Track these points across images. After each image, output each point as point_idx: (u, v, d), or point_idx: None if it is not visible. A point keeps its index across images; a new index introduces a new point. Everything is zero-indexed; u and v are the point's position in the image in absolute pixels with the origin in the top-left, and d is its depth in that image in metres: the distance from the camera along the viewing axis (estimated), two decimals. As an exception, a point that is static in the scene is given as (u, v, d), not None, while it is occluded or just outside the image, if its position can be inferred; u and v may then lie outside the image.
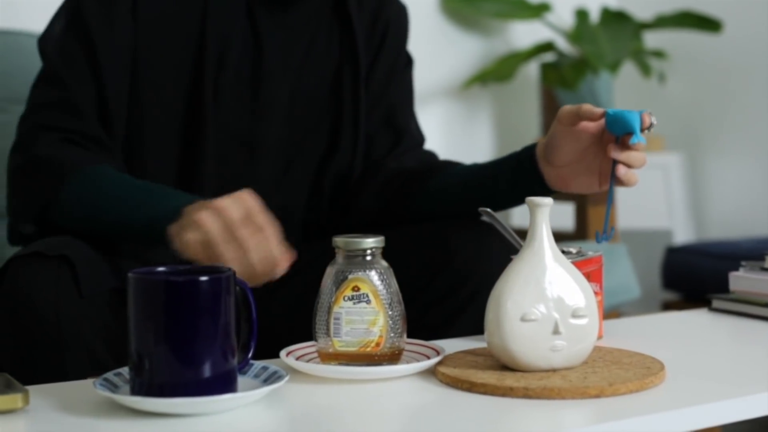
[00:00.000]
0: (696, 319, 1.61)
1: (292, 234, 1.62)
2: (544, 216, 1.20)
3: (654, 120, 1.38)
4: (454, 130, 3.41)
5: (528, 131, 3.52)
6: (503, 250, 1.48)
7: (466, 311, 1.48)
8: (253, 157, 1.60)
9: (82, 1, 1.54)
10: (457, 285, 1.48)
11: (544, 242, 1.20)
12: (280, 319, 1.52)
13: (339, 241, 1.22)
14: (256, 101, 1.60)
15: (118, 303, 1.37)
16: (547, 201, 1.20)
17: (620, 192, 2.70)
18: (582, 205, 2.56)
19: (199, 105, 1.56)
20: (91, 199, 1.44)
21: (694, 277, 2.90)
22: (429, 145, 3.17)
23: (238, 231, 1.25)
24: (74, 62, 1.52)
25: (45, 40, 1.56)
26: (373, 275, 1.21)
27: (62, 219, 1.46)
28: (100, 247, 1.44)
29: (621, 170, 1.36)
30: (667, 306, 2.98)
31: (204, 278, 1.06)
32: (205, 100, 1.56)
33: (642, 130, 1.35)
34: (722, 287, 1.62)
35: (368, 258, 1.22)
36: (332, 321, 1.21)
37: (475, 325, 1.46)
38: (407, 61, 1.77)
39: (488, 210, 1.35)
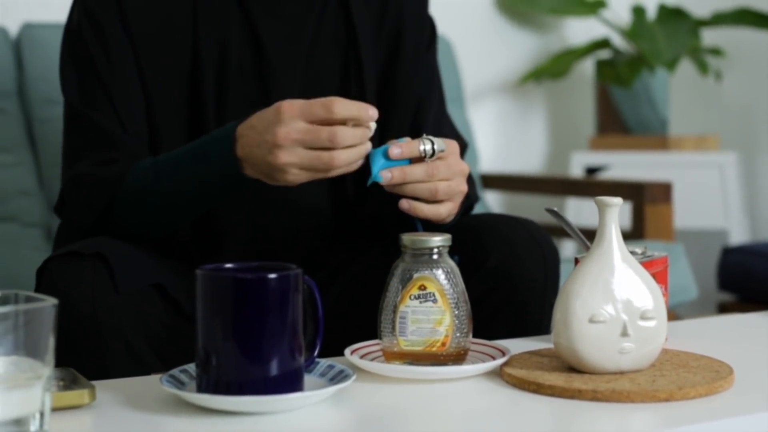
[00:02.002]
0: (757, 321, 1.59)
1: (321, 230, 1.61)
2: (613, 216, 1.19)
3: (427, 147, 1.31)
4: (509, 127, 3.39)
5: (582, 128, 3.50)
6: (537, 250, 1.46)
7: (501, 313, 1.45)
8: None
9: (80, 29, 1.53)
10: (492, 287, 1.45)
11: (613, 242, 1.18)
12: (330, 315, 1.52)
13: (405, 239, 1.21)
14: (265, 96, 1.56)
15: (159, 299, 1.37)
16: (617, 201, 1.19)
17: (676, 191, 2.68)
18: (639, 204, 2.53)
19: (202, 113, 1.54)
20: (149, 184, 1.42)
21: (750, 278, 2.87)
22: (482, 142, 3.18)
23: (321, 139, 1.26)
24: (94, 99, 1.51)
25: (65, 84, 1.55)
26: (440, 274, 1.20)
27: (120, 225, 1.45)
28: (148, 246, 1.45)
29: (403, 204, 1.32)
30: (723, 307, 2.95)
31: (272, 276, 1.05)
32: (208, 109, 1.53)
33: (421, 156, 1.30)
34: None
35: (435, 257, 1.21)
36: (398, 320, 1.20)
37: (510, 328, 1.44)
38: (430, 39, 1.69)
39: (554, 209, 1.34)
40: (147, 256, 1.41)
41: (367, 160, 1.29)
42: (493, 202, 3.23)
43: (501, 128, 3.37)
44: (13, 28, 2.40)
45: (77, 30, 1.54)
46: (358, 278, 1.56)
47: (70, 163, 1.52)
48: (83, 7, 1.54)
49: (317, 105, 1.27)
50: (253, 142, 1.30)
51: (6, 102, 2.30)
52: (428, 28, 1.69)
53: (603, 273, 1.17)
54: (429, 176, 1.31)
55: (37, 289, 1.35)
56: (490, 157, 3.27)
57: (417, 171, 1.30)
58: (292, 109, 1.27)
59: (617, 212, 1.20)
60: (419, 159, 1.31)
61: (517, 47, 3.39)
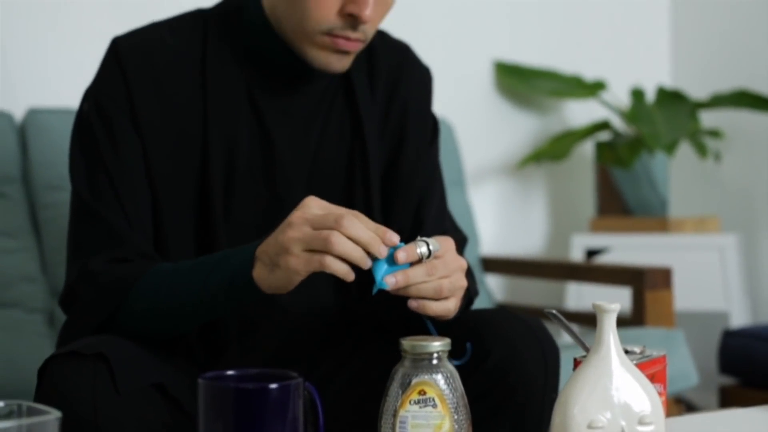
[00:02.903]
0: (758, 416, 1.59)
1: (324, 329, 1.62)
2: (611, 321, 1.20)
3: (423, 249, 1.33)
4: (509, 209, 3.41)
5: (583, 209, 3.52)
6: (537, 347, 1.47)
7: (501, 412, 1.45)
8: None
9: (90, 122, 1.55)
10: (492, 385, 1.44)
11: (611, 348, 1.20)
12: (329, 416, 1.52)
13: (405, 344, 1.22)
14: (272, 194, 1.58)
15: (160, 398, 1.38)
16: (614, 307, 1.20)
17: (677, 273, 2.69)
18: (639, 289, 2.54)
19: (209, 209, 1.55)
20: (160, 293, 1.44)
21: (751, 361, 2.87)
22: (483, 224, 3.20)
23: (327, 220, 1.28)
24: (102, 193, 1.53)
25: (74, 176, 1.57)
26: (440, 379, 1.21)
27: (127, 325, 1.46)
28: (151, 345, 1.46)
29: (412, 304, 1.34)
30: (724, 391, 2.94)
31: (273, 386, 1.06)
32: (215, 206, 1.55)
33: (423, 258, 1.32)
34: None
35: (434, 362, 1.21)
36: (398, 424, 1.20)
37: (510, 427, 1.44)
38: (432, 135, 1.72)
39: (554, 311, 1.35)
40: (149, 354, 1.42)
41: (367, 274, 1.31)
42: (494, 285, 3.24)
43: (501, 210, 3.39)
44: (18, 114, 2.43)
45: (87, 122, 1.56)
46: (358, 376, 1.56)
47: (77, 257, 1.53)
48: (93, 100, 1.56)
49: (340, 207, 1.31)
50: (271, 238, 1.33)
51: (10, 187, 2.31)
52: (431, 124, 1.72)
53: (602, 379, 1.18)
54: (429, 275, 1.33)
55: (38, 390, 1.35)
56: (490, 239, 3.29)
57: (418, 272, 1.32)
58: (314, 199, 1.32)
59: (615, 317, 1.21)
60: (417, 261, 1.32)
61: (517, 129, 3.42)
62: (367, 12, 1.48)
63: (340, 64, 1.55)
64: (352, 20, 1.50)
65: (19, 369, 2.13)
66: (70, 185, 1.58)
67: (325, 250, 1.28)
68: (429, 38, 3.11)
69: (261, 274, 1.34)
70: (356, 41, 1.53)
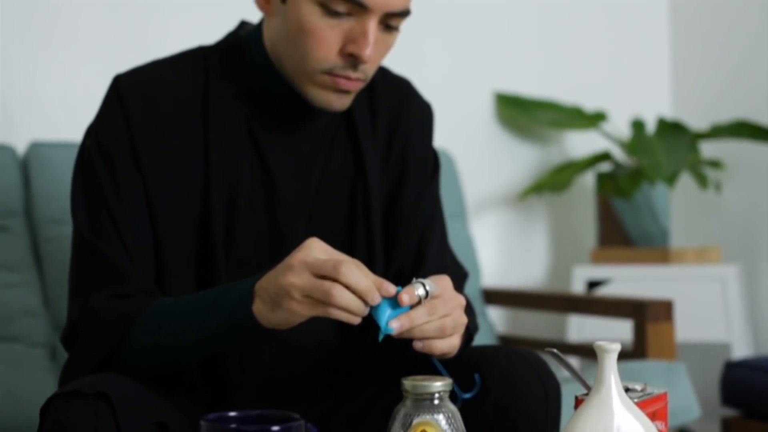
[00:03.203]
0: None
1: (326, 368, 1.62)
2: (612, 361, 1.21)
3: (420, 291, 1.34)
4: (511, 240, 3.41)
5: (584, 240, 3.52)
6: (538, 384, 1.47)
7: None
8: None
9: (92, 160, 1.56)
10: (493, 423, 1.45)
11: (611, 388, 1.20)
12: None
13: (407, 384, 1.23)
14: (273, 230, 1.60)
15: None
16: (615, 347, 1.20)
17: (678, 304, 2.69)
18: (641, 322, 2.54)
19: (211, 247, 1.56)
20: (161, 329, 1.44)
21: (753, 393, 2.86)
22: (484, 255, 3.20)
23: (326, 267, 1.29)
24: (103, 230, 1.53)
25: (75, 213, 1.58)
26: (441, 419, 1.21)
27: (129, 361, 1.47)
28: (152, 382, 1.46)
29: (417, 345, 1.36)
30: (727, 423, 2.93)
31: (275, 428, 1.06)
32: (217, 243, 1.56)
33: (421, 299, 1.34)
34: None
35: (436, 402, 1.22)
36: (400, 464, 1.21)
37: None
38: (433, 171, 1.74)
39: (554, 350, 1.35)
40: (150, 392, 1.42)
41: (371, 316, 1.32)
42: (495, 317, 3.24)
43: (503, 242, 3.39)
44: (21, 147, 2.43)
45: (89, 160, 1.57)
46: (359, 414, 1.56)
47: (79, 294, 1.53)
48: (95, 138, 1.57)
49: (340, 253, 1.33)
50: (271, 275, 1.34)
51: (12, 221, 2.32)
52: (432, 159, 1.72)
53: (603, 419, 1.18)
54: (431, 315, 1.34)
55: (41, 430, 1.36)
56: (492, 271, 3.29)
57: (420, 314, 1.33)
58: (316, 242, 1.33)
59: (615, 357, 1.21)
60: (416, 303, 1.34)
61: (518, 160, 3.43)
62: (368, 52, 1.50)
63: (341, 102, 1.56)
64: (353, 60, 1.51)
65: (21, 403, 2.13)
66: (71, 219, 1.59)
67: (325, 301, 1.29)
68: (430, 70, 3.12)
69: (261, 310, 1.35)
70: (357, 80, 1.54)
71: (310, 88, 1.55)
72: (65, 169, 2.12)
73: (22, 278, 2.29)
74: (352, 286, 1.30)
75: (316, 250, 1.34)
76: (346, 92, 1.55)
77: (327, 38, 1.51)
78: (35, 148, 2.38)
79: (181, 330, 1.43)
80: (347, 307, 1.30)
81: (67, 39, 2.59)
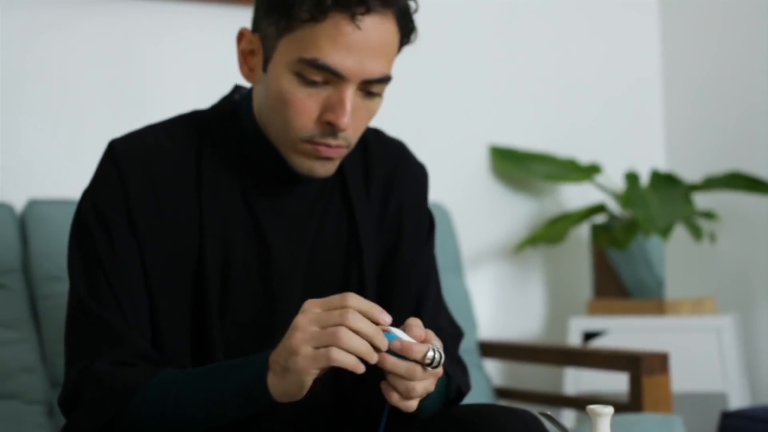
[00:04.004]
0: None
1: (319, 425, 1.63)
2: (605, 425, 1.22)
3: (434, 354, 1.38)
4: (507, 292, 3.42)
5: (580, 292, 3.53)
6: None
7: None
8: (266, 348, 1.55)
9: (88, 222, 1.58)
10: None
11: (605, 451, 1.21)
12: None
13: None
14: (268, 293, 1.61)
15: None
16: (608, 410, 1.21)
17: (674, 355, 2.69)
18: (636, 375, 2.55)
19: (206, 310, 1.57)
20: (168, 400, 1.45)
21: (750, 444, 2.86)
22: (480, 308, 3.21)
23: (332, 317, 1.32)
24: (100, 293, 1.55)
25: (72, 275, 1.59)
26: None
27: (132, 426, 1.47)
28: None
29: (393, 397, 1.39)
30: (724, 475, 2.93)
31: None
32: (212, 307, 1.57)
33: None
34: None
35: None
36: None
37: None
38: (428, 233, 1.76)
39: (548, 414, 1.36)
40: None
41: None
42: (492, 370, 3.24)
43: (499, 294, 3.40)
44: (19, 205, 2.45)
45: (85, 224, 1.58)
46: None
47: (76, 358, 1.54)
48: (91, 202, 1.59)
49: (335, 297, 1.35)
50: (280, 345, 1.37)
51: (10, 278, 2.33)
52: (427, 222, 1.74)
53: (596, 482, 1.19)
54: (410, 375, 1.36)
55: None
56: (488, 323, 3.30)
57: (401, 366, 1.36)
58: (312, 301, 1.36)
59: (609, 420, 1.22)
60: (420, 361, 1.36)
61: (513, 213, 3.44)
62: (345, 120, 1.51)
63: (324, 169, 1.58)
64: (331, 128, 1.53)
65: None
66: (68, 281, 1.60)
67: (333, 344, 1.31)
68: (424, 124, 3.15)
69: (273, 382, 1.37)
70: (338, 147, 1.56)
71: (293, 155, 1.57)
72: (63, 227, 2.13)
73: (20, 335, 2.29)
74: (360, 330, 1.32)
75: (315, 308, 1.36)
76: (329, 159, 1.57)
77: (305, 107, 1.52)
78: (33, 205, 2.40)
79: (188, 402, 1.44)
80: (356, 348, 1.32)
81: (64, 98, 2.62)
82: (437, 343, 1.39)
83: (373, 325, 1.34)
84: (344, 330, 1.31)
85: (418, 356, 1.35)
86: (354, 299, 1.35)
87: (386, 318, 1.36)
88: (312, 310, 1.35)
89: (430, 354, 1.36)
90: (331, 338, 1.31)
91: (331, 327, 1.32)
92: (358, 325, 1.32)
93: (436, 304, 1.72)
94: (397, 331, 1.37)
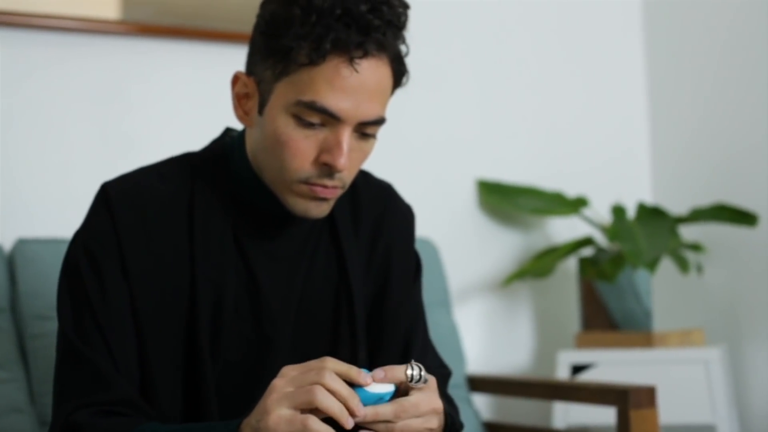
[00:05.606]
0: None
1: None
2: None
3: (410, 373, 1.39)
4: (495, 326, 3.42)
5: (568, 325, 3.54)
6: None
7: None
8: (258, 389, 1.57)
9: (78, 265, 1.58)
10: None
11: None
12: None
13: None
14: (259, 336, 1.62)
15: None
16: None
17: (662, 387, 2.70)
18: (624, 409, 2.55)
19: (197, 353, 1.58)
20: None
21: (739, 477, 2.87)
22: (469, 343, 3.21)
23: (308, 377, 1.32)
24: (89, 336, 1.55)
25: (61, 317, 1.59)
26: None
27: None
28: None
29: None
30: (713, 508, 2.93)
31: None
32: (203, 349, 1.57)
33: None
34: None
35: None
36: None
37: None
38: (415, 273, 1.77)
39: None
40: None
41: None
42: (480, 404, 3.24)
43: (487, 328, 3.40)
44: (7, 244, 2.45)
45: (75, 266, 1.59)
46: None
47: (62, 400, 1.54)
48: (83, 245, 1.59)
49: (313, 361, 1.36)
50: (255, 408, 1.36)
51: (-2, 318, 2.33)
52: (414, 262, 1.76)
53: None
54: (397, 417, 1.37)
55: None
56: (477, 358, 3.30)
57: (386, 411, 1.36)
58: (290, 366, 1.36)
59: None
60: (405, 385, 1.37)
61: (501, 247, 3.45)
62: (342, 161, 1.53)
63: (319, 210, 1.59)
64: (328, 169, 1.55)
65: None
66: (58, 322, 1.61)
67: (309, 402, 1.31)
68: (411, 159, 3.16)
69: None
70: (334, 188, 1.57)
71: (289, 196, 1.58)
72: (52, 266, 2.13)
73: (9, 375, 2.29)
74: (335, 391, 1.32)
75: (292, 371, 1.36)
76: (324, 200, 1.58)
77: (302, 149, 1.54)
78: (21, 244, 2.40)
79: None
80: (330, 408, 1.32)
81: (54, 137, 2.62)
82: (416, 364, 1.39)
83: (349, 388, 1.34)
84: (319, 388, 1.32)
85: (403, 377, 1.37)
86: (331, 362, 1.35)
87: (367, 379, 1.36)
88: (289, 374, 1.36)
89: (410, 372, 1.37)
90: (307, 395, 1.32)
91: (307, 386, 1.32)
92: (334, 385, 1.33)
93: (424, 344, 1.73)
94: (377, 387, 1.37)
